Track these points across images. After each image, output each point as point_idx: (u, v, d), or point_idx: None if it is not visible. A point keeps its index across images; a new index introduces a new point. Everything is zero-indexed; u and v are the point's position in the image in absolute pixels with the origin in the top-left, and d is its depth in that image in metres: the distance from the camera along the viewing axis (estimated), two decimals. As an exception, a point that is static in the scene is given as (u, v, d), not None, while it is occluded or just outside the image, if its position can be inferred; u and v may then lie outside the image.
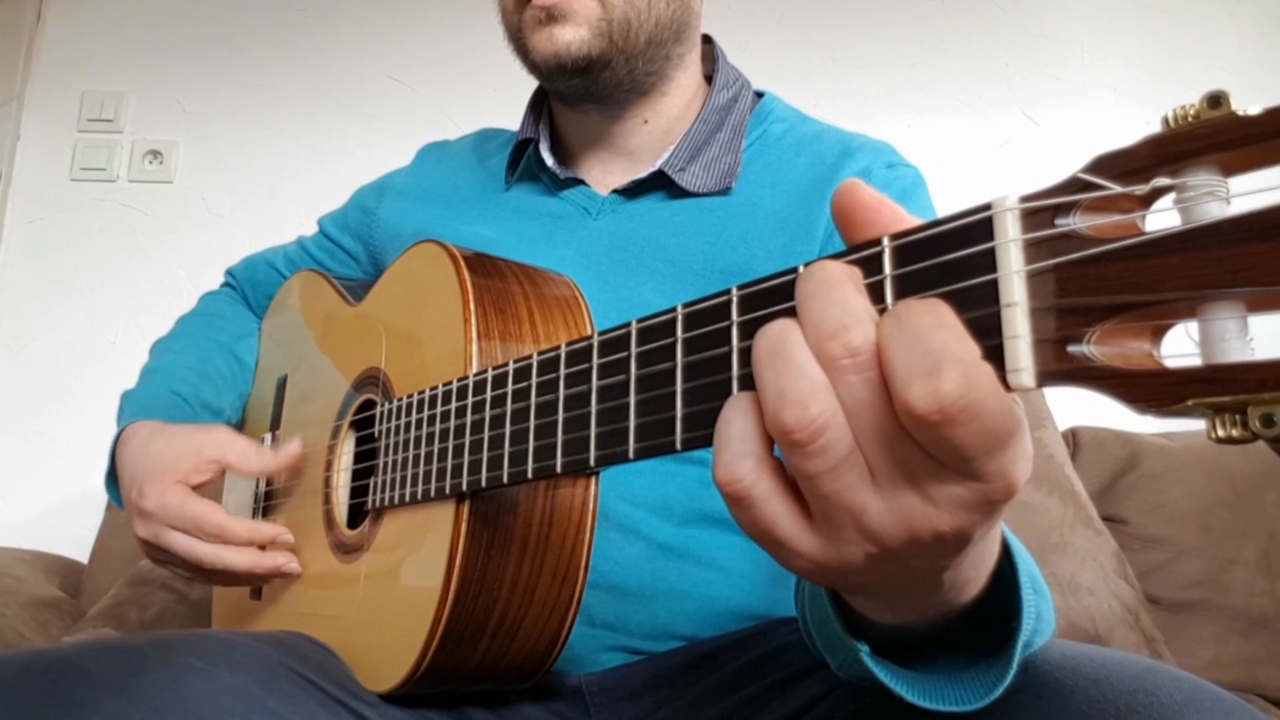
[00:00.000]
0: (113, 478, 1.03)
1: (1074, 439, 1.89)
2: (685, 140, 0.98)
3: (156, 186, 2.26)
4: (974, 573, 0.43)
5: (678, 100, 1.02)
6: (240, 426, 1.20)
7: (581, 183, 1.01)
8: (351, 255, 1.18)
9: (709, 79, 1.06)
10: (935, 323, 0.32)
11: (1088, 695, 0.52)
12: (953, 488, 0.35)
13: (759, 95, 1.07)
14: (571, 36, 0.91)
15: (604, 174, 1.03)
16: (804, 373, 0.36)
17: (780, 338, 0.37)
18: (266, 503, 1.07)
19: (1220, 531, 1.70)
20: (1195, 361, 0.29)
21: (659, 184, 0.98)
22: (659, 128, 1.02)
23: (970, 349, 0.32)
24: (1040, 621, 0.53)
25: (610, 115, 1.01)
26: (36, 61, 2.32)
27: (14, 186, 2.25)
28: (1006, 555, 0.47)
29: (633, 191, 0.99)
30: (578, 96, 0.99)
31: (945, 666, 0.50)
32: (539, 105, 1.08)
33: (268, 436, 1.11)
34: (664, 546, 0.87)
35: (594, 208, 0.99)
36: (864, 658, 0.49)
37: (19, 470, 2.12)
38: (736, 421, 0.39)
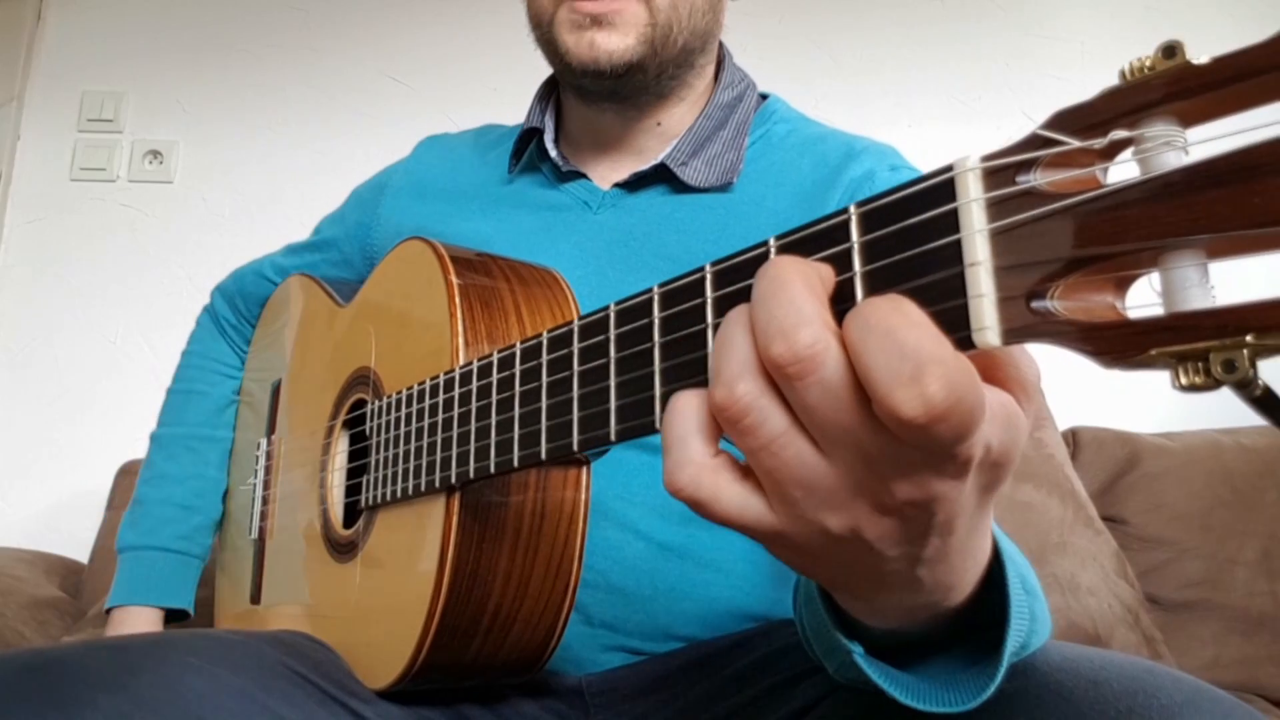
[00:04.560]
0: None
1: (1074, 439, 1.89)
2: (688, 135, 0.97)
3: (156, 186, 2.26)
4: (955, 578, 0.43)
5: (689, 102, 1.02)
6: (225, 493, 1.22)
7: (583, 176, 1.01)
8: (346, 255, 1.17)
9: (715, 78, 1.06)
10: (905, 322, 0.32)
11: (1087, 696, 0.52)
12: (919, 468, 0.35)
13: (764, 97, 1.07)
14: (616, 45, 0.90)
15: (609, 170, 1.02)
16: (737, 355, 0.37)
17: (727, 321, 0.38)
18: (264, 506, 1.08)
19: (1220, 531, 1.70)
20: (1157, 311, 0.29)
21: (661, 178, 0.98)
22: (669, 128, 1.01)
23: (945, 345, 0.32)
24: (1035, 623, 0.53)
25: (626, 116, 1.00)
26: (36, 61, 2.32)
27: (14, 186, 2.25)
28: (997, 558, 0.47)
29: (634, 185, 0.98)
30: (599, 94, 0.98)
31: (941, 667, 0.50)
32: (546, 96, 1.07)
33: (262, 442, 1.11)
34: (664, 546, 0.86)
35: (595, 201, 0.99)
36: (857, 659, 0.49)
37: (19, 470, 2.12)
38: (675, 421, 0.39)
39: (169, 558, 1.12)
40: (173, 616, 1.12)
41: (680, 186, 0.96)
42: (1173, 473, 1.77)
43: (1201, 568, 1.68)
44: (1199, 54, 0.29)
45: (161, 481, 1.17)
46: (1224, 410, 1.87)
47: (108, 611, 1.10)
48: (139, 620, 1.08)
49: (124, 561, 1.12)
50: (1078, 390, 1.87)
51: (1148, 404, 1.99)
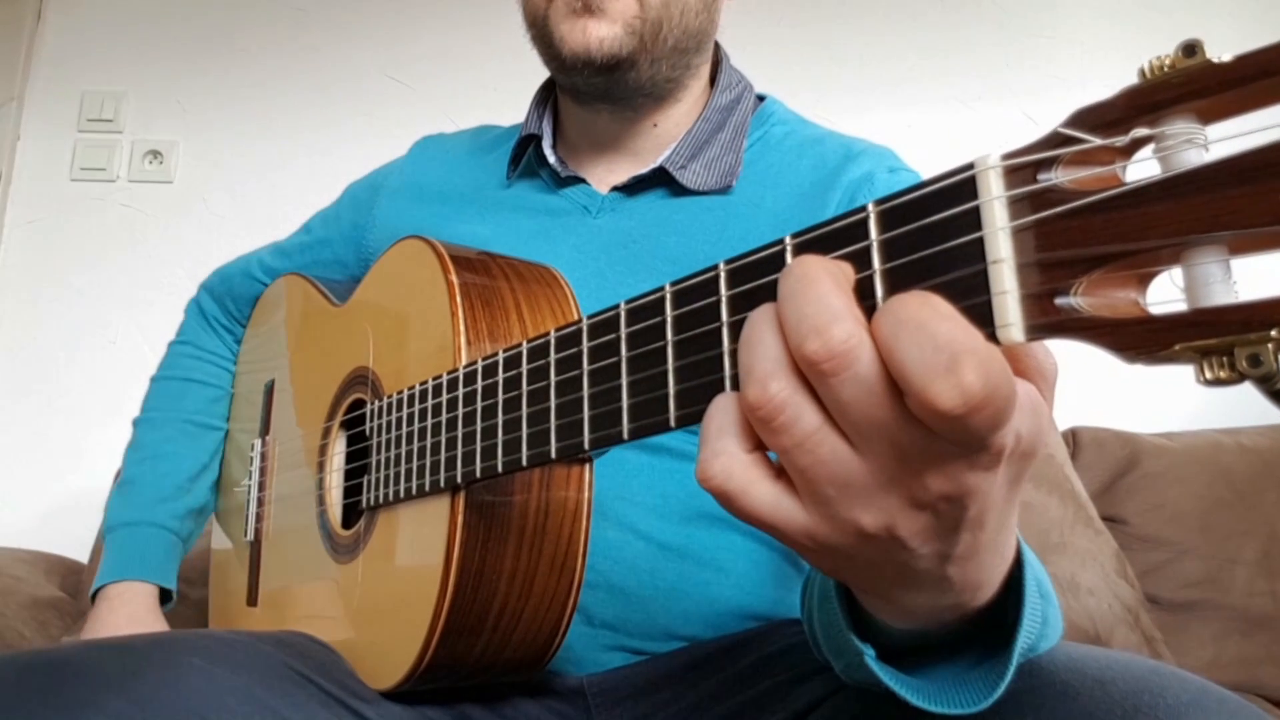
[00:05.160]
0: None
1: (1074, 439, 1.89)
2: (687, 138, 0.97)
3: (156, 186, 2.26)
4: (983, 575, 0.43)
5: (686, 105, 1.02)
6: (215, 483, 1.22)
7: (582, 181, 1.01)
8: (340, 254, 1.16)
9: (712, 80, 1.06)
10: (935, 315, 0.32)
11: (1093, 696, 0.52)
12: (953, 461, 0.35)
13: (760, 99, 1.07)
14: (606, 33, 0.90)
15: (607, 173, 1.02)
16: (768, 354, 0.37)
17: (753, 320, 0.38)
18: (259, 508, 1.07)
19: (1220, 531, 1.70)
20: (1181, 307, 0.29)
21: (660, 181, 0.98)
22: (667, 131, 1.01)
23: (976, 336, 0.32)
24: (1046, 626, 0.53)
25: (622, 117, 1.00)
26: (36, 61, 2.32)
27: (14, 186, 2.25)
28: (1017, 560, 0.47)
29: (633, 188, 0.98)
30: (593, 95, 0.98)
31: (949, 669, 0.50)
32: (544, 102, 1.07)
33: (256, 443, 1.11)
34: (664, 546, 0.86)
35: (594, 206, 0.99)
36: (868, 661, 0.49)
37: (19, 470, 2.11)
38: (712, 421, 0.40)
39: (164, 535, 1.11)
40: (162, 598, 1.11)
41: (679, 190, 0.96)
42: (1173, 473, 1.77)
43: (1201, 568, 1.68)
44: (1219, 52, 0.29)
45: (158, 460, 1.15)
46: (1224, 410, 1.88)
47: (94, 595, 1.08)
48: (137, 596, 1.07)
49: (116, 538, 1.11)
50: (1078, 390, 1.88)
51: (1148, 404, 1.99)
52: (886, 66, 2.27)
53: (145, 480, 1.14)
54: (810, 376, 0.36)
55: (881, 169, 0.96)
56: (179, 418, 1.19)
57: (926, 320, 0.32)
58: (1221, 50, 0.29)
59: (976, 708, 0.47)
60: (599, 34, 0.90)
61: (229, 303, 1.25)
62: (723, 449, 0.39)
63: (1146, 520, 1.75)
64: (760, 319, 0.38)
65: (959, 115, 2.23)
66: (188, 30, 2.34)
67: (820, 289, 0.35)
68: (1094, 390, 1.94)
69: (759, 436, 0.38)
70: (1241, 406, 1.80)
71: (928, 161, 0.84)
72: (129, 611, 1.05)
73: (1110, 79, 2.21)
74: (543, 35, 0.95)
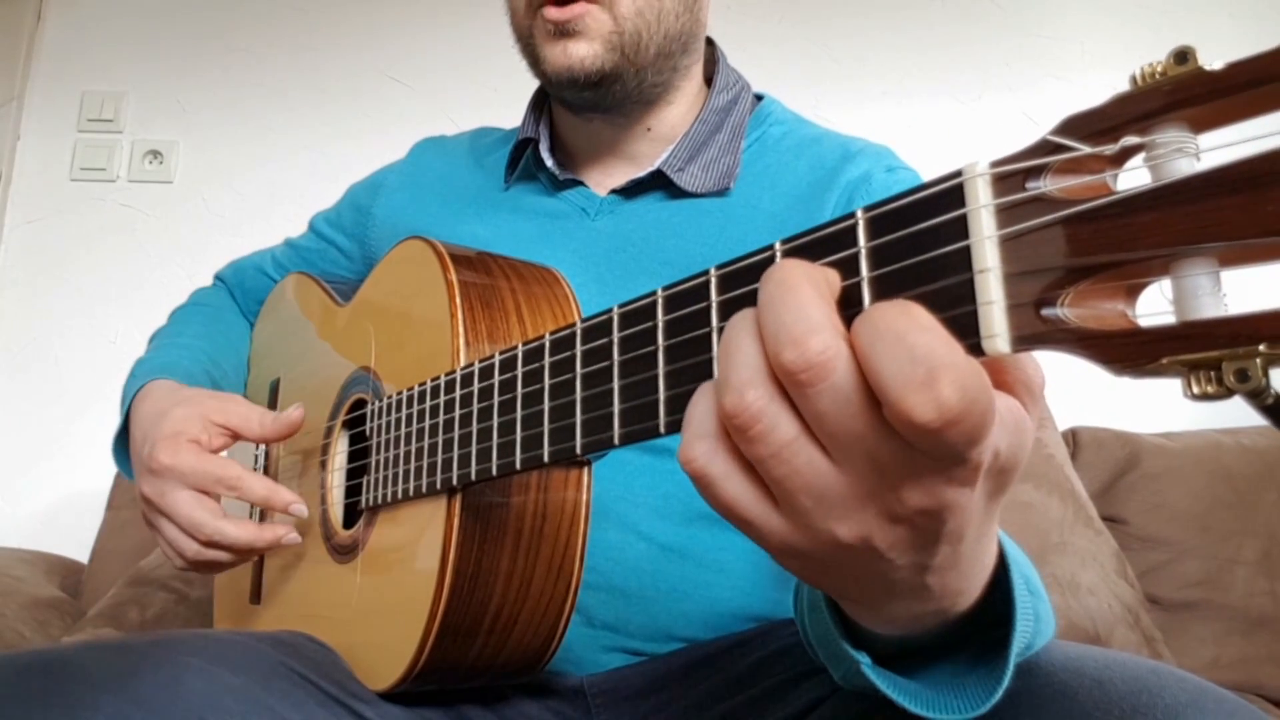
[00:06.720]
0: (121, 441, 0.99)
1: (1074, 439, 1.89)
2: (684, 141, 0.97)
3: (156, 186, 2.26)
4: (964, 583, 0.43)
5: (681, 107, 1.02)
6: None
7: (580, 183, 1.01)
8: (345, 254, 1.17)
9: (709, 80, 1.06)
10: (915, 326, 0.32)
11: (1092, 696, 0.52)
12: (930, 475, 0.35)
13: (758, 98, 1.07)
14: (585, 52, 0.90)
15: (604, 176, 1.02)
16: (746, 361, 0.36)
17: (732, 327, 0.38)
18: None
19: (1220, 531, 1.70)
20: (1169, 319, 0.29)
21: (658, 184, 0.98)
22: (662, 134, 1.01)
23: (955, 349, 0.32)
24: (1039, 623, 0.53)
25: (615, 124, 1.01)
26: (36, 61, 2.32)
27: (14, 186, 2.25)
28: (1001, 560, 0.47)
29: (631, 191, 0.98)
30: (584, 106, 0.99)
31: (946, 670, 0.50)
32: (540, 105, 1.07)
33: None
34: (665, 547, 0.86)
35: (592, 208, 0.99)
36: (865, 669, 0.49)
37: (19, 470, 2.12)
38: (699, 404, 0.39)
39: (201, 378, 1.04)
40: None
41: (677, 192, 0.96)
42: (1173, 473, 1.77)
43: (1201, 568, 1.68)
44: (1211, 59, 0.28)
45: (189, 349, 1.09)
46: (1224, 411, 1.87)
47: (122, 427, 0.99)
48: (163, 384, 0.98)
49: (142, 367, 1.03)
50: (1078, 390, 1.87)
51: (1148, 404, 1.99)
52: (887, 67, 2.27)
53: (174, 349, 1.08)
54: (787, 386, 0.35)
55: (879, 168, 0.95)
56: (223, 333, 1.16)
57: (905, 331, 0.32)
58: (1216, 56, 0.29)
59: (976, 712, 0.47)
60: (579, 54, 0.91)
61: (238, 295, 1.25)
62: (706, 432, 0.38)
63: (1146, 520, 1.75)
64: (739, 326, 0.37)
65: (959, 114, 2.23)
66: (188, 30, 2.34)
67: (799, 297, 0.35)
68: (1094, 390, 1.94)
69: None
70: (1242, 407, 1.80)
71: (928, 161, 0.84)
72: (167, 388, 0.97)
73: (1110, 79, 2.21)
74: (529, 52, 0.97)
